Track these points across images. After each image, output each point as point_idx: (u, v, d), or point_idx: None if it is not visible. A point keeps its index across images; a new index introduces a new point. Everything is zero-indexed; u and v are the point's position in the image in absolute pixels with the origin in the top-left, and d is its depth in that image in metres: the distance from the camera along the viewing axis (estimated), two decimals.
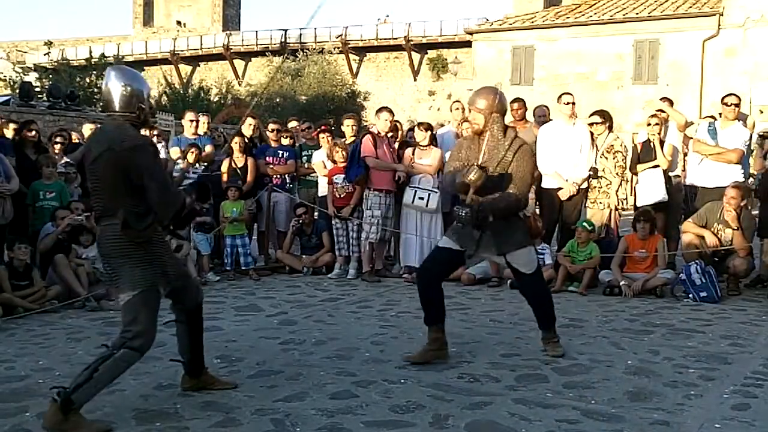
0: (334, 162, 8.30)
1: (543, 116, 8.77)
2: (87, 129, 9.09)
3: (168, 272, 3.69)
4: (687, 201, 8.13)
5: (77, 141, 9.09)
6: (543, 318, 4.83)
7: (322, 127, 9.09)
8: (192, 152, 8.36)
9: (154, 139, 9.04)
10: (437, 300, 4.63)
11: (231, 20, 51.65)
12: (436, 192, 7.95)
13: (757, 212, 7.58)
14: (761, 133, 7.31)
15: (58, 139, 8.46)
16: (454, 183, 4.57)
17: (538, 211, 8.26)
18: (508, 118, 9.02)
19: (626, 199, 8.19)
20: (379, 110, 8.37)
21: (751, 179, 8.33)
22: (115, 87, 3.59)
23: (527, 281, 4.77)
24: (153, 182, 3.46)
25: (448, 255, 4.68)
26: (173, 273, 3.74)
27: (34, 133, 7.81)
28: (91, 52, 34.91)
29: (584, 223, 7.46)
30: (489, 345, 5.03)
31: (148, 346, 3.58)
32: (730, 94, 7.79)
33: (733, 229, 6.89)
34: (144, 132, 8.65)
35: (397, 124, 8.78)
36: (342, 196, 8.19)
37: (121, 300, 3.57)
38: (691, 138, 7.87)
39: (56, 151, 8.28)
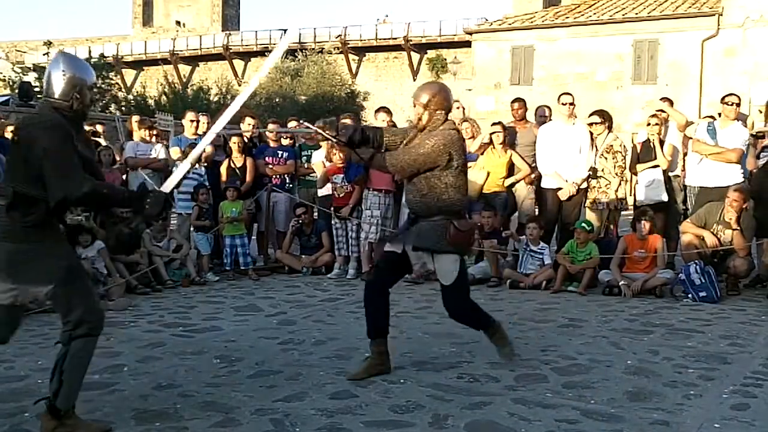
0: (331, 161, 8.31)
1: (544, 117, 8.76)
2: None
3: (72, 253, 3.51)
4: (686, 201, 8.13)
5: None
6: (472, 325, 4.62)
7: None
8: None
9: (153, 139, 9.03)
10: (383, 311, 4.40)
11: (230, 20, 51.65)
12: None
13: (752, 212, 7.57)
14: (754, 133, 7.30)
15: None
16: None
17: (537, 211, 8.26)
18: (509, 118, 9.08)
19: (625, 199, 8.19)
20: (377, 111, 8.39)
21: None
22: (55, 72, 3.35)
23: (444, 294, 4.37)
24: (50, 162, 3.17)
25: (393, 258, 4.43)
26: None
27: None
28: (90, 52, 34.96)
29: (583, 224, 7.46)
30: (488, 345, 5.01)
31: (99, 326, 3.40)
32: (730, 94, 7.80)
33: (733, 230, 6.90)
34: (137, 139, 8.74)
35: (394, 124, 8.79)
36: (341, 195, 8.19)
37: (40, 293, 3.36)
38: (691, 138, 7.88)
39: None
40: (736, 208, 6.88)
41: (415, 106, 4.34)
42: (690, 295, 6.69)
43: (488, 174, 8.01)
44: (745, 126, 8.00)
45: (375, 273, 4.65)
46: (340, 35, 40.69)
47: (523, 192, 8.16)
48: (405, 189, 4.52)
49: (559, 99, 8.01)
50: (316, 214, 8.67)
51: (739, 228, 6.89)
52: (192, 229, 8.46)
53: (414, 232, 4.30)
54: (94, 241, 7.05)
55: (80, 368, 3.37)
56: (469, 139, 8.36)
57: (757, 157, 7.27)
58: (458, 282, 4.31)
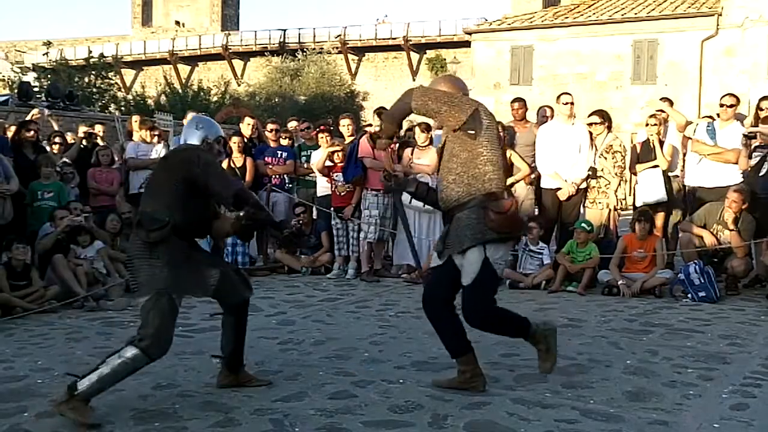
0: (333, 162, 8.30)
1: (545, 117, 8.75)
2: (81, 131, 9.11)
3: (187, 279, 3.77)
4: (685, 201, 8.13)
5: (72, 141, 9.09)
6: (501, 332, 4.12)
7: (321, 127, 9.09)
8: None
9: (155, 140, 9.02)
10: (454, 327, 3.96)
11: (230, 20, 51.64)
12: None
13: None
14: (746, 134, 7.31)
15: (57, 140, 8.47)
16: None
17: (536, 211, 8.26)
18: (508, 118, 9.07)
19: (625, 199, 8.19)
20: (376, 111, 8.39)
21: None
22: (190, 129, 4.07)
23: (464, 295, 3.86)
24: (210, 178, 3.77)
25: (445, 271, 3.95)
26: (200, 280, 3.82)
27: (32, 133, 7.81)
28: (89, 52, 34.91)
29: (583, 224, 7.46)
30: (487, 345, 5.02)
31: (157, 352, 3.65)
32: (727, 95, 7.79)
33: (730, 230, 6.90)
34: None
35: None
36: (343, 194, 8.18)
37: (140, 303, 3.75)
38: (690, 138, 7.87)
39: (55, 151, 8.29)
40: (734, 209, 6.88)
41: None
42: (689, 295, 6.69)
43: None
44: (744, 126, 7.98)
45: (429, 291, 4.05)
46: (339, 35, 40.68)
47: (523, 192, 8.16)
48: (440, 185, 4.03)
49: (558, 99, 8.02)
50: (315, 214, 8.67)
51: (736, 228, 6.90)
52: None
53: (452, 233, 3.86)
54: (92, 242, 7.06)
55: (117, 372, 3.58)
56: None
57: (749, 157, 7.29)
58: (480, 280, 3.79)
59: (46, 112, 10.55)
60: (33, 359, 4.73)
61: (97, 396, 3.56)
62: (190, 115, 9.36)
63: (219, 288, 3.89)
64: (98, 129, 9.53)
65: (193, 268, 3.82)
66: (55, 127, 9.43)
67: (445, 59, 38.08)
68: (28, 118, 9.45)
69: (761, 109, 7.64)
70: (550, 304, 6.59)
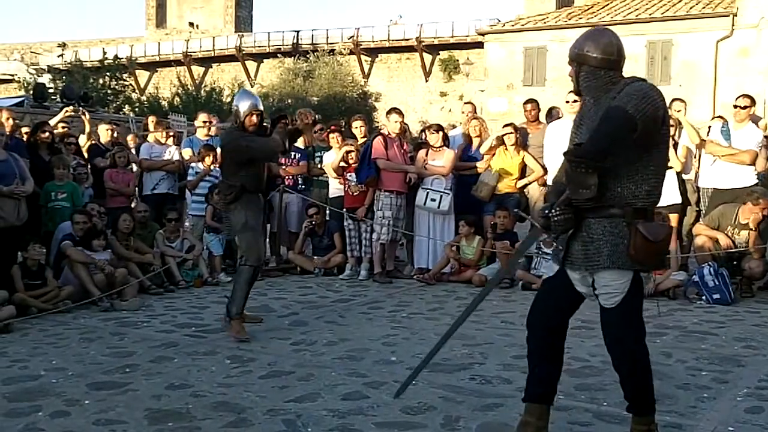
0: (347, 163, 8.30)
1: (558, 118, 8.71)
2: (102, 130, 9.13)
3: (256, 216, 5.55)
4: (700, 203, 8.07)
5: (92, 142, 9.10)
6: (631, 392, 3.16)
7: (332, 128, 9.09)
8: (209, 155, 8.38)
9: (170, 141, 9.04)
10: (550, 366, 3.20)
11: (243, 21, 51.77)
12: (448, 193, 7.95)
13: None
14: (767, 134, 7.23)
15: (70, 140, 8.51)
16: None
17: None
18: (521, 119, 9.04)
19: None
20: (389, 112, 8.38)
21: None
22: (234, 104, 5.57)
23: (605, 321, 3.18)
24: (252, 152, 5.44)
25: (561, 284, 3.20)
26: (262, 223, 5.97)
27: (47, 134, 7.86)
28: (104, 53, 35.16)
29: None
30: (500, 347, 5.02)
31: (256, 261, 5.46)
32: (741, 96, 7.72)
33: (750, 230, 6.85)
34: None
35: (406, 126, 8.78)
36: (356, 194, 8.18)
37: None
38: (704, 139, 7.81)
39: (71, 145, 8.32)
40: (765, 213, 6.82)
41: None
42: (704, 297, 6.65)
43: (500, 175, 7.99)
44: (759, 128, 7.91)
45: (538, 314, 3.26)
46: (352, 36, 40.69)
47: (536, 193, 8.12)
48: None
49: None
50: (328, 215, 8.67)
51: (756, 229, 6.84)
52: (205, 230, 8.47)
53: (580, 247, 3.07)
54: (108, 246, 7.09)
55: (242, 286, 5.39)
56: (476, 137, 8.37)
57: (767, 159, 7.21)
58: (627, 307, 3.19)
59: (81, 110, 10.65)
60: (48, 359, 4.76)
61: (246, 306, 5.46)
62: (201, 116, 9.45)
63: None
64: (108, 133, 9.39)
65: (258, 213, 5.61)
66: (87, 127, 9.44)
67: (458, 60, 38.00)
68: (62, 116, 9.51)
69: None
70: None
